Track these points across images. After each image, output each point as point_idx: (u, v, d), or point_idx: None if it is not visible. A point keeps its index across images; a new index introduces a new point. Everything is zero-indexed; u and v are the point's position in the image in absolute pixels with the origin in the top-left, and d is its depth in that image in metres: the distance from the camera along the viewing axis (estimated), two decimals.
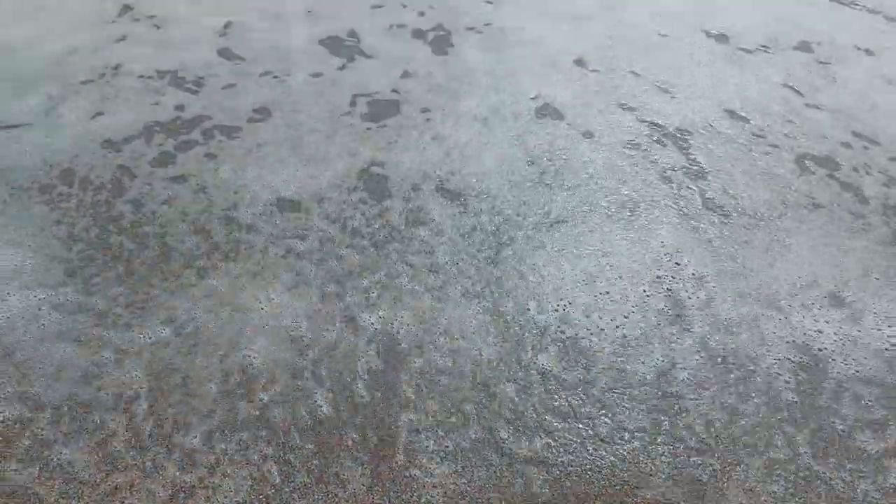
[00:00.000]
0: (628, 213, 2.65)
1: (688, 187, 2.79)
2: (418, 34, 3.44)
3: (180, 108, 2.92)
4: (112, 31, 3.23)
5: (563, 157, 2.88)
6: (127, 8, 3.34)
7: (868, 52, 3.62)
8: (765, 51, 3.58)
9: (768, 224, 2.67)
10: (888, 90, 3.40)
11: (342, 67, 3.22)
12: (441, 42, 3.40)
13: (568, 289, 2.29)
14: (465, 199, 2.64)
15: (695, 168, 2.88)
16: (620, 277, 2.35)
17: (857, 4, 3.97)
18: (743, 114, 3.20)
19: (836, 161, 2.99)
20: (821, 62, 3.52)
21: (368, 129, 2.91)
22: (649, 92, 3.26)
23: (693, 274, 2.39)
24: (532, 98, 3.13)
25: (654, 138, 3.01)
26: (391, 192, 2.62)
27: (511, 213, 2.60)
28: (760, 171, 2.91)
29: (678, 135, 3.04)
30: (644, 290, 2.31)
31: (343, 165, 2.72)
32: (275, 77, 3.14)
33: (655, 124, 3.09)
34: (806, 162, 2.97)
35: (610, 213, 2.65)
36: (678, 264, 2.44)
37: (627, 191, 2.76)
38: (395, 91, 3.10)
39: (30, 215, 2.39)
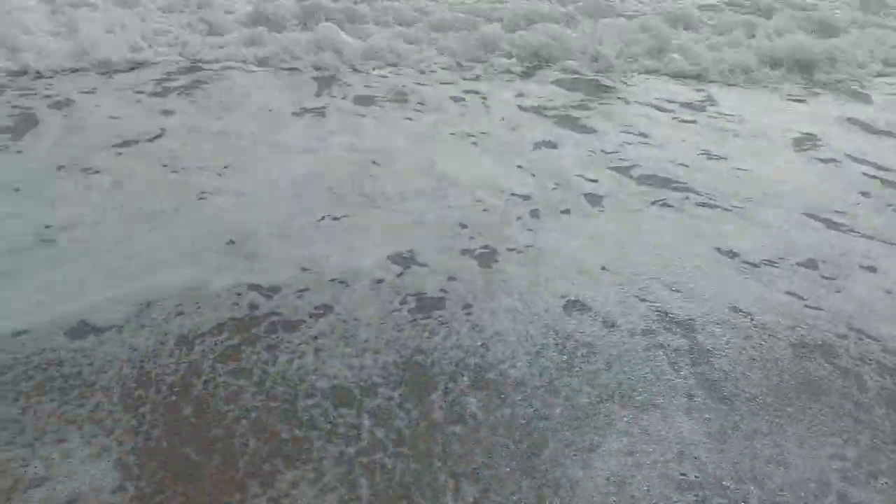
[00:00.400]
0: (644, 400, 2.98)
1: (695, 373, 3.15)
2: (467, 251, 4.07)
3: (253, 307, 3.44)
4: (210, 260, 3.88)
5: (588, 343, 3.31)
6: (231, 243, 4.04)
7: (870, 269, 4.04)
8: (771, 265, 4.04)
9: (772, 412, 2.95)
10: (887, 299, 3.78)
11: (399, 275, 3.80)
12: (486, 258, 4.00)
13: (601, 499, 2.47)
14: (499, 388, 3.01)
15: (700, 355, 3.26)
16: (649, 485, 2.54)
17: (855, 231, 4.47)
18: (745, 310, 3.61)
19: (835, 352, 3.31)
20: (824, 277, 3.94)
21: (414, 320, 3.40)
22: (663, 291, 3.73)
23: (712, 473, 2.60)
24: (562, 296, 3.62)
25: (665, 327, 3.45)
26: (433, 382, 3.00)
27: (540, 405, 2.92)
28: (762, 359, 3.26)
29: (686, 325, 3.47)
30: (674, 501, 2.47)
31: (391, 356, 3.15)
32: (341, 282, 3.72)
33: (667, 316, 3.53)
34: (805, 351, 3.32)
35: (628, 400, 2.98)
36: (696, 458, 2.64)
37: (642, 375, 3.13)
38: (442, 291, 3.64)
39: (111, 422, 2.73)
